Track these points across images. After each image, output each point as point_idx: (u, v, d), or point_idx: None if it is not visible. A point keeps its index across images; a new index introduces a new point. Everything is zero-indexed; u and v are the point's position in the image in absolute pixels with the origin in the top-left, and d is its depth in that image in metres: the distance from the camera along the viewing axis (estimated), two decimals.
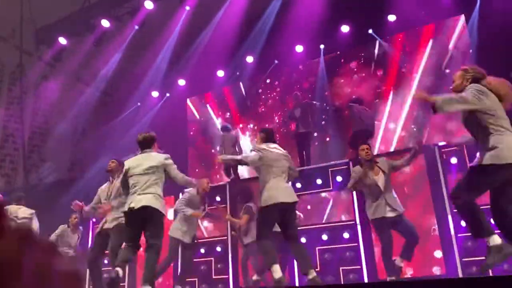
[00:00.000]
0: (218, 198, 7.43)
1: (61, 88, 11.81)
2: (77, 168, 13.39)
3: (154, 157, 4.44)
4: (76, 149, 12.86)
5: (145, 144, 4.55)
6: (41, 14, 10.93)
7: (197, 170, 10.70)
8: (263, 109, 10.50)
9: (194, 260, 6.67)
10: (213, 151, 10.74)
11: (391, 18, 8.74)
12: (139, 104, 11.58)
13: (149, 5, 9.59)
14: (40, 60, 11.86)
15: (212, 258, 6.99)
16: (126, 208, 4.28)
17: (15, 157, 13.21)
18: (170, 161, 4.49)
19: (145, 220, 4.22)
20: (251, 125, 10.56)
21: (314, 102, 8.16)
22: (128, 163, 4.51)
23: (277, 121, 10.26)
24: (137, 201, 4.19)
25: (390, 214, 4.85)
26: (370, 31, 9.15)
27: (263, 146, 4.59)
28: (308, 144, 8.09)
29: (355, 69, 9.54)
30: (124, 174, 4.47)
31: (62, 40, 10.54)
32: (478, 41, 7.68)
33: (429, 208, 5.85)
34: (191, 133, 11.37)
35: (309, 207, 7.16)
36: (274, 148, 4.63)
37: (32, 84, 13.14)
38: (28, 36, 11.43)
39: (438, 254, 5.66)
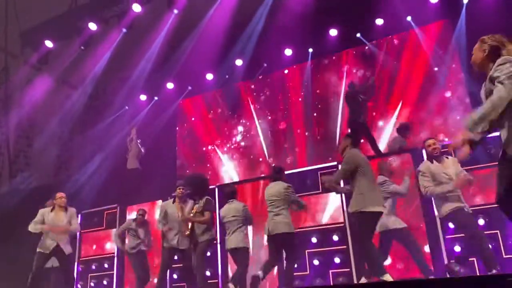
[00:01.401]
0: None
1: (47, 92, 11.64)
2: (63, 172, 13.20)
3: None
4: (62, 153, 12.68)
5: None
6: (26, 16, 10.78)
7: (187, 171, 10.66)
8: (253, 111, 10.48)
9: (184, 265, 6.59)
10: (204, 148, 10.71)
11: (379, 21, 8.81)
12: (127, 107, 11.49)
13: (137, 8, 9.51)
14: (26, 63, 11.68)
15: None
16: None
17: (0, 162, 12.97)
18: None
19: None
20: (241, 128, 10.54)
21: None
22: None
23: (266, 122, 10.26)
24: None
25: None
26: (358, 35, 9.21)
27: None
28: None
29: (344, 72, 9.58)
30: None
31: (49, 43, 10.40)
32: (466, 44, 7.77)
33: (417, 211, 5.88)
34: (181, 135, 11.30)
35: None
36: None
37: (17, 88, 12.93)
38: (13, 38, 11.25)
39: (426, 255, 5.68)
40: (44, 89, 11.47)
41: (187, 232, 5.76)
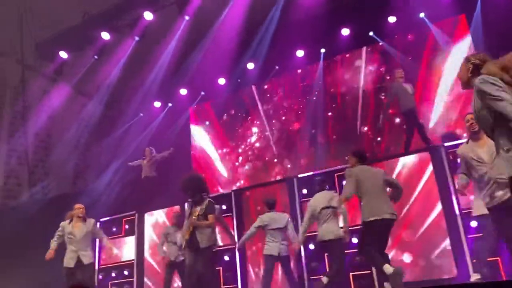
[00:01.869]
0: (223, 207, 7.38)
1: (63, 102, 11.83)
2: (81, 181, 13.37)
3: None
4: (79, 162, 12.84)
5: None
6: (41, 29, 10.98)
7: (204, 174, 10.69)
8: (265, 113, 10.45)
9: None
10: (219, 151, 10.72)
11: (392, 19, 8.71)
12: (141, 115, 11.57)
13: (148, 16, 9.59)
14: (42, 75, 11.89)
15: (220, 267, 6.92)
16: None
17: (20, 172, 13.22)
18: None
19: None
20: (255, 129, 10.51)
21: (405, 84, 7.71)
22: None
23: (279, 124, 10.22)
24: None
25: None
26: (371, 33, 9.11)
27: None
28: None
29: (361, 68, 9.49)
30: None
31: (63, 54, 10.55)
32: (483, 38, 7.61)
33: (438, 210, 5.78)
34: (195, 140, 11.32)
35: None
36: None
37: (34, 99, 13.17)
38: (29, 51, 11.48)
39: (448, 257, 5.56)
40: (60, 99, 11.65)
41: (186, 237, 5.28)
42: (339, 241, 5.52)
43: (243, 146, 10.58)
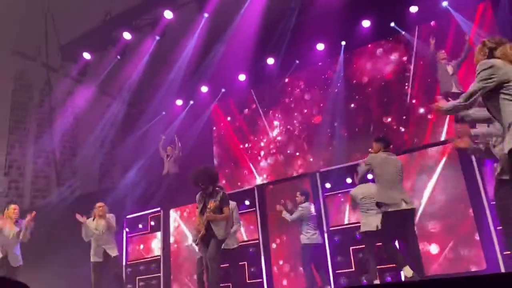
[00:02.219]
0: (247, 202, 7.42)
1: (88, 102, 12.07)
2: (107, 180, 13.63)
3: None
4: (105, 161, 13.08)
5: None
6: (64, 31, 11.21)
7: (226, 171, 10.77)
8: (286, 108, 10.44)
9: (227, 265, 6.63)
10: (241, 146, 10.76)
11: (413, 9, 8.55)
12: (164, 113, 11.71)
13: (168, 14, 9.68)
14: (66, 76, 12.15)
15: (245, 262, 6.96)
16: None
17: (48, 172, 13.57)
18: None
19: None
20: (277, 123, 10.51)
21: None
22: None
23: (300, 119, 10.19)
24: None
25: None
26: (392, 24, 8.97)
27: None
28: None
29: (380, 63, 9.37)
30: None
31: (86, 55, 10.75)
32: (509, 26, 7.40)
33: (465, 202, 5.67)
34: (216, 136, 11.41)
35: (343, 206, 7.03)
36: None
37: (60, 100, 13.48)
38: (53, 53, 11.74)
39: (477, 248, 5.46)
40: (84, 100, 11.89)
41: (203, 230, 5.13)
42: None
43: (265, 140, 10.58)
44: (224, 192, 5.35)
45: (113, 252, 6.41)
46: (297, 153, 10.02)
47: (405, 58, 9.05)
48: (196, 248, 6.29)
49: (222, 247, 5.89)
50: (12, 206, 6.52)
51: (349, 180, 6.52)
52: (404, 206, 4.70)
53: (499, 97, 2.91)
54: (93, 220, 6.51)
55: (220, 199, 5.18)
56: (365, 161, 5.18)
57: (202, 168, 5.33)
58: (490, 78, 2.92)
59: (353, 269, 6.20)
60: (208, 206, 5.15)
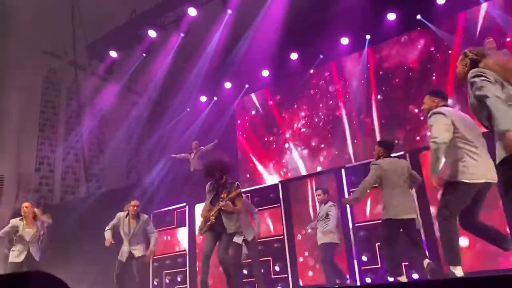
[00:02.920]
0: (271, 198, 7.43)
1: (115, 100, 12.30)
2: (134, 176, 13.87)
3: None
4: (132, 157, 13.32)
5: None
6: (91, 30, 11.44)
7: (250, 165, 10.79)
8: (310, 101, 10.38)
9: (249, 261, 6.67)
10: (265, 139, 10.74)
11: (440, 1, 8.36)
12: (188, 109, 11.83)
13: (192, 12, 9.76)
14: (93, 74, 12.41)
15: (270, 258, 6.98)
16: None
17: (77, 168, 13.93)
18: None
19: None
20: (301, 115, 10.48)
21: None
22: None
23: (324, 112, 10.11)
24: None
25: None
26: (419, 16, 8.79)
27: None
28: None
29: (406, 55, 9.20)
30: None
31: (113, 53, 10.96)
32: None
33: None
34: (241, 131, 11.44)
35: (368, 202, 6.96)
36: None
37: (87, 98, 13.79)
38: (81, 52, 12.01)
39: None
40: (111, 97, 12.13)
41: (213, 220, 4.95)
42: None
43: (289, 133, 10.54)
44: (238, 184, 5.17)
45: (138, 253, 6.36)
46: (322, 145, 9.95)
47: (432, 49, 8.85)
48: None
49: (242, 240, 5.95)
50: (25, 204, 6.51)
51: None
52: (409, 216, 4.66)
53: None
54: (126, 216, 6.44)
55: (235, 190, 5.00)
56: (372, 168, 4.90)
57: (218, 158, 5.17)
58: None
59: (379, 266, 6.13)
60: (222, 196, 4.99)
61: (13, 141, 12.11)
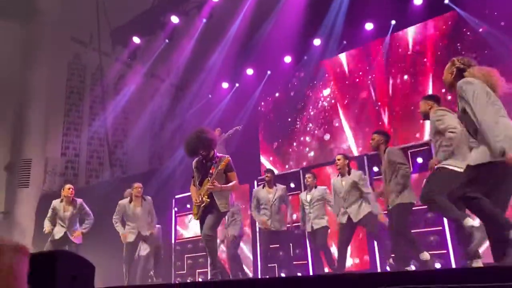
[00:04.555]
0: (292, 185, 7.44)
1: (138, 86, 12.44)
2: (156, 161, 14.07)
3: None
4: (154, 142, 13.48)
5: None
6: (115, 16, 11.54)
7: (271, 158, 10.77)
8: (333, 87, 10.26)
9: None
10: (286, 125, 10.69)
11: None
12: (210, 96, 11.87)
13: None
14: (117, 60, 12.56)
15: (291, 244, 7.02)
16: None
17: (101, 152, 14.20)
18: None
19: None
20: (323, 98, 10.38)
21: None
22: None
23: (348, 96, 9.98)
24: None
25: None
26: (447, 1, 8.53)
27: None
28: None
29: (429, 41, 8.96)
30: None
31: (136, 39, 11.04)
32: None
33: None
34: (263, 119, 11.40)
35: None
36: None
37: (111, 84, 14.00)
38: (105, 38, 12.14)
39: None
40: (135, 83, 12.26)
41: (206, 200, 4.50)
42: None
43: (311, 115, 10.40)
44: (228, 157, 4.71)
45: (145, 232, 6.53)
46: (344, 132, 9.82)
47: (457, 36, 8.58)
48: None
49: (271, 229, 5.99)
50: (67, 186, 6.83)
51: None
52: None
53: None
54: (130, 202, 6.59)
55: (226, 164, 4.59)
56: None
57: (199, 133, 4.63)
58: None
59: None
60: (210, 172, 4.56)
61: (40, 126, 12.41)
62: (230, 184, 4.63)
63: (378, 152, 5.27)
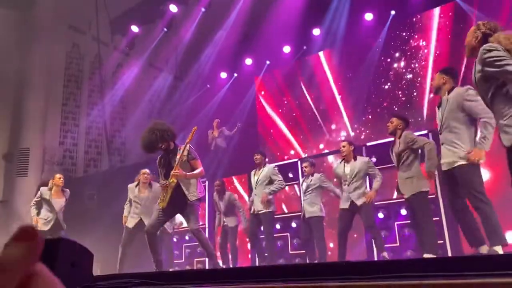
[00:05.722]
0: (290, 175, 7.46)
1: (136, 75, 12.38)
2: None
3: None
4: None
5: None
6: (114, 5, 11.44)
7: (270, 142, 10.78)
8: (332, 79, 10.24)
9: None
10: (284, 116, 10.70)
11: None
12: (208, 86, 11.83)
13: None
14: (116, 49, 12.49)
15: (288, 234, 7.06)
16: None
17: (99, 142, 14.18)
18: None
19: None
20: (322, 92, 10.37)
21: None
22: None
23: (346, 88, 9.97)
24: None
25: None
26: None
27: None
28: None
29: (429, 32, 8.94)
30: None
31: (134, 28, 10.98)
32: None
33: None
34: (261, 110, 11.39)
35: (389, 181, 6.92)
36: None
37: (109, 73, 13.92)
38: (103, 27, 12.05)
39: None
40: (133, 72, 12.20)
41: (170, 191, 4.37)
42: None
43: (309, 108, 10.41)
44: (190, 145, 4.56)
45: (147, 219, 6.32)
46: (342, 122, 9.84)
47: (461, 26, 8.57)
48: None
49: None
50: (58, 175, 6.87)
51: None
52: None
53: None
54: (136, 186, 6.47)
55: (188, 153, 4.46)
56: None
57: (152, 127, 4.47)
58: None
59: (398, 244, 6.14)
60: (173, 165, 4.40)
61: (38, 115, 12.36)
62: (195, 171, 4.51)
63: (394, 136, 5.05)
